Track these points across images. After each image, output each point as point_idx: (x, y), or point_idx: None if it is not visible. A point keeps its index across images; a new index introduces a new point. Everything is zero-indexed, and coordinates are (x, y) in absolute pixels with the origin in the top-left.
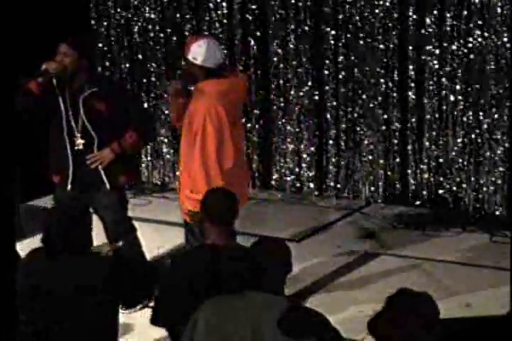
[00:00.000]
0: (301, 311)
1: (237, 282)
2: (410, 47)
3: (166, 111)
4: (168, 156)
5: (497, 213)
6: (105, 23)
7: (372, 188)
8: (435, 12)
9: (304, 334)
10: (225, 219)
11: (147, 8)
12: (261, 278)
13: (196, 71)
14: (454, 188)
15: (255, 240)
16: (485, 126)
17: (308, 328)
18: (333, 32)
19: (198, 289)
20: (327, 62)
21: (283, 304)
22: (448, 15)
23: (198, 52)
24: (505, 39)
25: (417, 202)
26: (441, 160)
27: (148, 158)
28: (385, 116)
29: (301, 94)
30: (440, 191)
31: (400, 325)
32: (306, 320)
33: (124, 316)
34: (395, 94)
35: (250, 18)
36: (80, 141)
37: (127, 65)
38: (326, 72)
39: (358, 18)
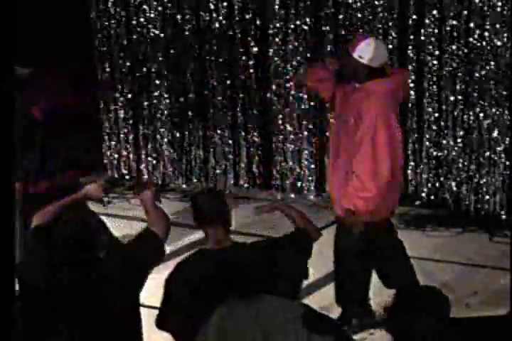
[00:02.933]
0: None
1: (252, 284)
2: (410, 47)
3: (166, 112)
4: (168, 156)
5: (497, 213)
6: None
7: None
8: (435, 12)
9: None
10: (217, 219)
11: (147, 8)
12: (276, 280)
13: (360, 70)
14: (454, 188)
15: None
16: (485, 126)
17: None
18: (332, 32)
19: (204, 294)
20: None
21: (297, 309)
22: (448, 15)
23: (366, 50)
24: (505, 39)
25: (417, 202)
26: (441, 160)
27: (149, 158)
28: None
29: (301, 94)
30: (440, 191)
31: (403, 321)
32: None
33: None
34: None
35: (250, 18)
36: None
37: (127, 65)
38: None
39: (358, 18)
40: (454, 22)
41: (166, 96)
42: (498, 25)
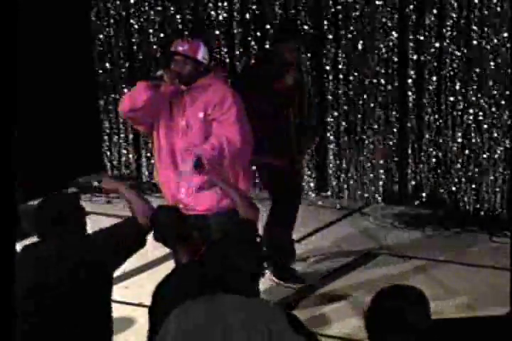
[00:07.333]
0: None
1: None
2: (410, 47)
3: None
4: None
5: (497, 213)
6: (105, 23)
7: (373, 188)
8: (435, 12)
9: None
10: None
11: (147, 8)
12: (234, 278)
13: (202, 70)
14: (454, 188)
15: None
16: (485, 126)
17: None
18: (333, 32)
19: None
20: (327, 62)
21: (255, 306)
22: (448, 15)
23: (205, 52)
24: (505, 39)
25: (417, 202)
26: (441, 160)
27: (149, 158)
28: (385, 116)
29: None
30: (440, 191)
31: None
32: None
33: (123, 313)
34: (394, 95)
35: (250, 18)
36: None
37: (127, 65)
38: (326, 72)
39: (358, 18)
40: (455, 22)
41: None
42: (498, 25)
